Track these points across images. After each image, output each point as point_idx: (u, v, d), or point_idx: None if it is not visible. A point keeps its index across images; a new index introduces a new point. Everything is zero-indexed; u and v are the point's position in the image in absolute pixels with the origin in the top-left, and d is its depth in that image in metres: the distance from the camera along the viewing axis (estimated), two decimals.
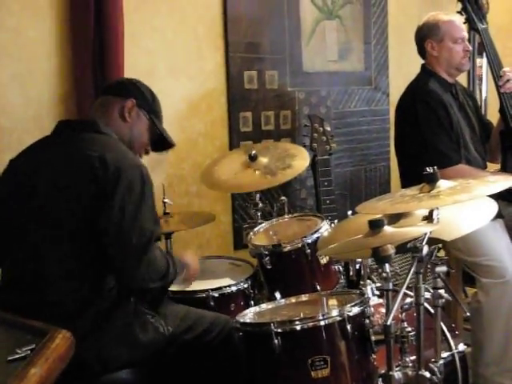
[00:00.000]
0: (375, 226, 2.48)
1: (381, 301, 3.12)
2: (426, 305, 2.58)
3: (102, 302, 2.58)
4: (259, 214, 3.72)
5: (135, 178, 2.55)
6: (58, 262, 2.55)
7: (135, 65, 3.57)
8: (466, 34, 3.99)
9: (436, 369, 2.54)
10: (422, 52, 4.05)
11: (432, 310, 2.67)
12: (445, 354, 2.66)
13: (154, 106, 2.93)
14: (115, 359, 2.57)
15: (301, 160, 3.70)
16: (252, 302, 3.24)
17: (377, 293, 3.20)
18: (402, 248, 2.51)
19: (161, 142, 2.99)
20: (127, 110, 2.82)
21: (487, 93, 5.75)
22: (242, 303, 3.21)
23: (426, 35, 3.98)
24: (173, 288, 3.09)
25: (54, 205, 2.58)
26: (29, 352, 1.92)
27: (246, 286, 3.24)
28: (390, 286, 2.53)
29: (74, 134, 2.72)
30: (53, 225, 2.57)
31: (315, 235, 3.19)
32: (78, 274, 2.55)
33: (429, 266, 2.55)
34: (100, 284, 2.59)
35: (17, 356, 1.90)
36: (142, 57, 3.82)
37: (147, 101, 2.90)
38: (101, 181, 2.51)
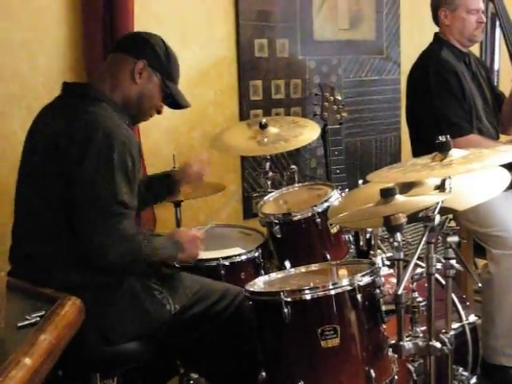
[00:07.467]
0: (387, 194, 2.46)
1: (391, 271, 3.12)
2: (436, 275, 2.56)
3: (107, 276, 2.53)
4: (269, 182, 3.69)
5: (105, 148, 2.48)
6: (57, 237, 2.53)
7: None
8: (482, 6, 3.91)
9: (446, 340, 2.53)
10: (435, 19, 3.99)
11: (443, 281, 2.66)
12: (455, 325, 2.66)
13: (167, 66, 2.79)
14: (120, 336, 2.55)
15: (311, 130, 3.67)
16: (262, 271, 3.23)
17: (387, 263, 3.19)
18: (413, 217, 2.50)
19: (175, 102, 2.87)
20: (138, 71, 2.71)
21: (500, 63, 5.70)
22: (252, 272, 3.21)
23: (441, 3, 3.92)
24: None
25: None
26: (38, 318, 1.94)
27: (256, 254, 3.23)
28: (401, 255, 2.52)
29: (64, 101, 2.69)
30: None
31: (325, 204, 3.17)
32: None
33: (440, 236, 2.54)
34: None
35: (26, 322, 1.92)
36: (152, 24, 3.78)
37: (160, 61, 2.76)
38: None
